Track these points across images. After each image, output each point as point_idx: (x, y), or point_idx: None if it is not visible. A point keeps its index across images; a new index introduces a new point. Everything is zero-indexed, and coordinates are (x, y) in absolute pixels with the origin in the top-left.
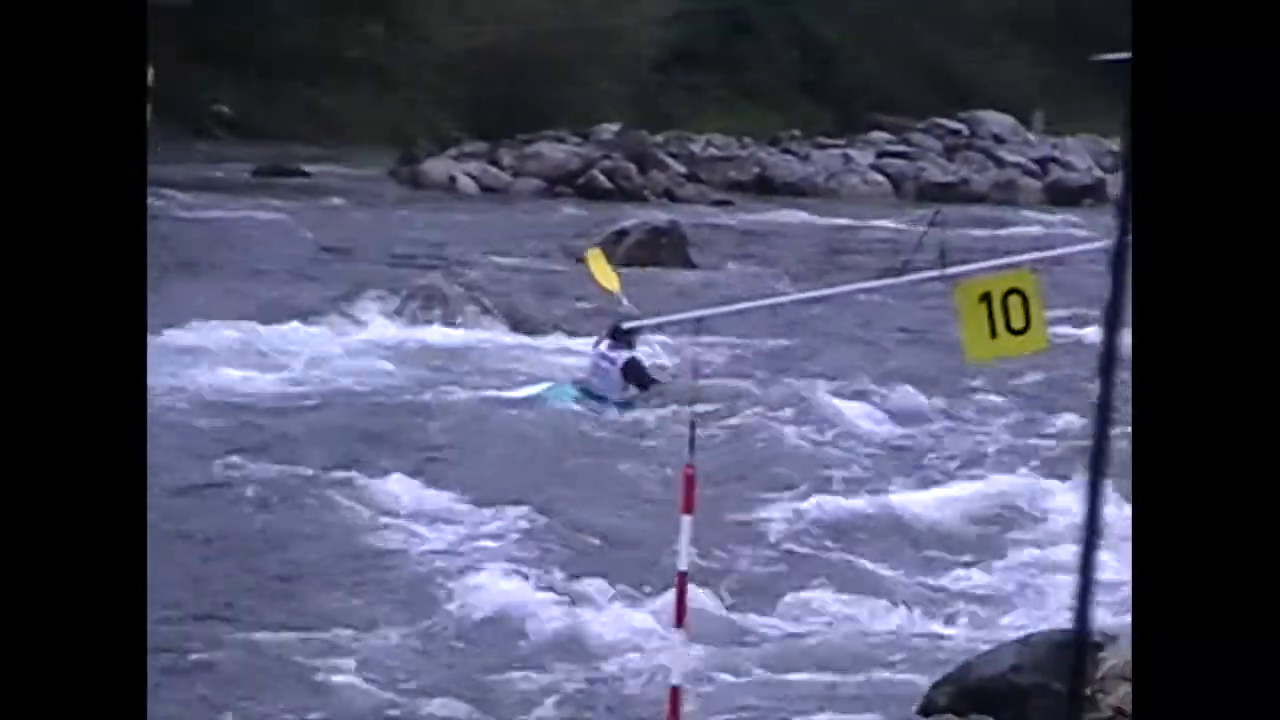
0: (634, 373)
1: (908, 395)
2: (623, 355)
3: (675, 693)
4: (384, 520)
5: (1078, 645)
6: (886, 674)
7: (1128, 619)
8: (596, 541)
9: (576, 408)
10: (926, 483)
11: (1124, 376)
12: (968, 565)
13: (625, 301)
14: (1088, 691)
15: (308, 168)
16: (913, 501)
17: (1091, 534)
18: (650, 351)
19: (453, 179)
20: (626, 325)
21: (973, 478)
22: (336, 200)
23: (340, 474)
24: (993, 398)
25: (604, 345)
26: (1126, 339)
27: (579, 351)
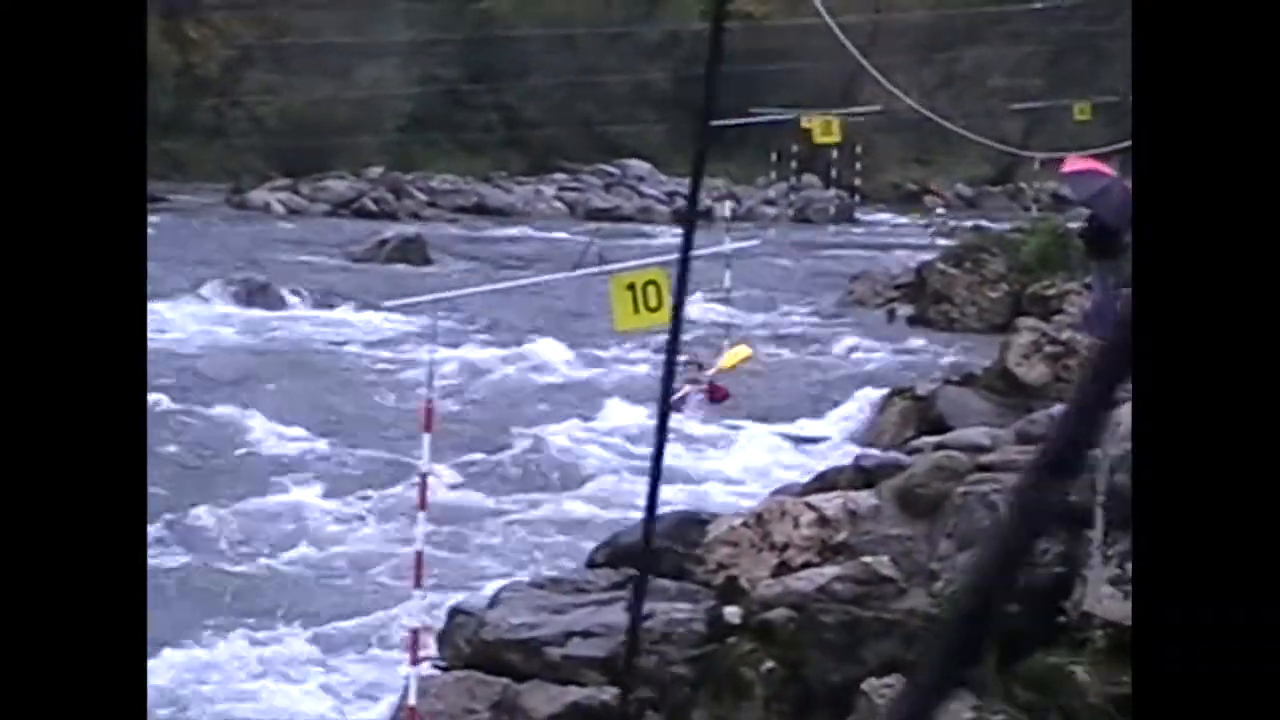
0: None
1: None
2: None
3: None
4: None
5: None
6: None
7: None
8: None
9: None
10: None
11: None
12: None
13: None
14: (698, 552)
15: (170, 196)
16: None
17: (660, 439)
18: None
19: (267, 204)
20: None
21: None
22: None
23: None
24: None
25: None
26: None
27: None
